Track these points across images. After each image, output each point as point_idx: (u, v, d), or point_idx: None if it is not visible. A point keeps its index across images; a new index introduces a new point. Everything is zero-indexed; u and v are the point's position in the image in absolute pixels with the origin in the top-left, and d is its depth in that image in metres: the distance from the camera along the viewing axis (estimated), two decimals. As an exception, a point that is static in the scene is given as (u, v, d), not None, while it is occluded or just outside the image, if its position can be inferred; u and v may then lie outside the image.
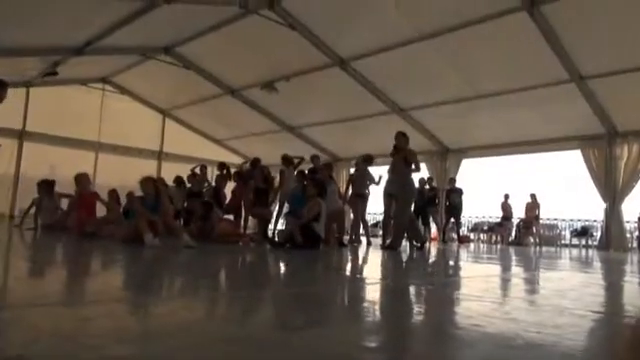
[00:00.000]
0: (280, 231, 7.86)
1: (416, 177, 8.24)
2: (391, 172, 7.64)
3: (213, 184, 9.87)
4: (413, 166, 7.21)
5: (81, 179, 7.57)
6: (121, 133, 14.32)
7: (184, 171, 10.58)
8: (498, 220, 14.08)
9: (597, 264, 6.81)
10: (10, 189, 12.76)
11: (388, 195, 7.66)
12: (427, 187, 12.40)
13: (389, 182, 7.71)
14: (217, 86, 12.94)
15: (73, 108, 13.42)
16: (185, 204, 9.55)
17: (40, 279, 2.86)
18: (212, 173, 11.38)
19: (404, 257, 5.99)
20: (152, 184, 5.85)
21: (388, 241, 7.51)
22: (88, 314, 1.76)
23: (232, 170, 10.27)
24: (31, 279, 2.80)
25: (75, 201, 7.64)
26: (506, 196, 13.81)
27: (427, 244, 8.42)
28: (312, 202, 6.65)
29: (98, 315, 1.73)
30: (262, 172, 8.75)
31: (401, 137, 7.31)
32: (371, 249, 7.53)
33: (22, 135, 13.19)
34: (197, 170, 10.50)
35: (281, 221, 9.39)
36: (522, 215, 13.59)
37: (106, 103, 14.22)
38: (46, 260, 4.09)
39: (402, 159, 7.16)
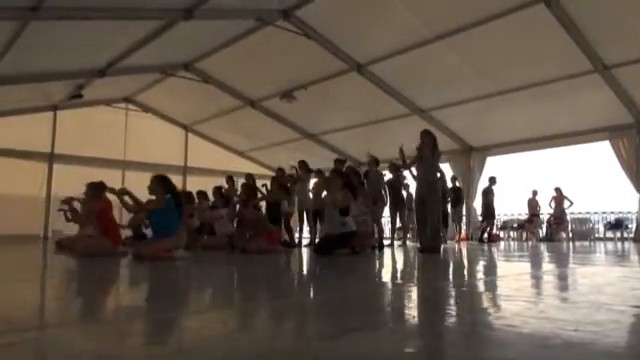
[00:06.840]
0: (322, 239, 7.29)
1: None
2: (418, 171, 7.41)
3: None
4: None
5: None
6: (146, 150, 14.59)
7: (208, 185, 10.65)
8: (527, 217, 13.79)
9: (634, 257, 6.59)
10: (43, 211, 13.10)
11: (420, 200, 7.33)
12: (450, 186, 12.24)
13: (419, 183, 7.46)
14: (237, 98, 13.07)
15: (99, 128, 13.77)
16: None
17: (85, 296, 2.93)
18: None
19: (435, 259, 5.92)
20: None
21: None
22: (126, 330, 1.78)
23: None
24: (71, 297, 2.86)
25: None
26: (534, 192, 13.55)
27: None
28: (342, 193, 6.45)
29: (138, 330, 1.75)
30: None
31: (425, 136, 7.23)
32: (408, 252, 7.46)
33: (51, 157, 13.55)
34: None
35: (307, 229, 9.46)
36: (550, 211, 13.29)
37: (130, 122, 14.55)
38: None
39: (430, 155, 7.08)
